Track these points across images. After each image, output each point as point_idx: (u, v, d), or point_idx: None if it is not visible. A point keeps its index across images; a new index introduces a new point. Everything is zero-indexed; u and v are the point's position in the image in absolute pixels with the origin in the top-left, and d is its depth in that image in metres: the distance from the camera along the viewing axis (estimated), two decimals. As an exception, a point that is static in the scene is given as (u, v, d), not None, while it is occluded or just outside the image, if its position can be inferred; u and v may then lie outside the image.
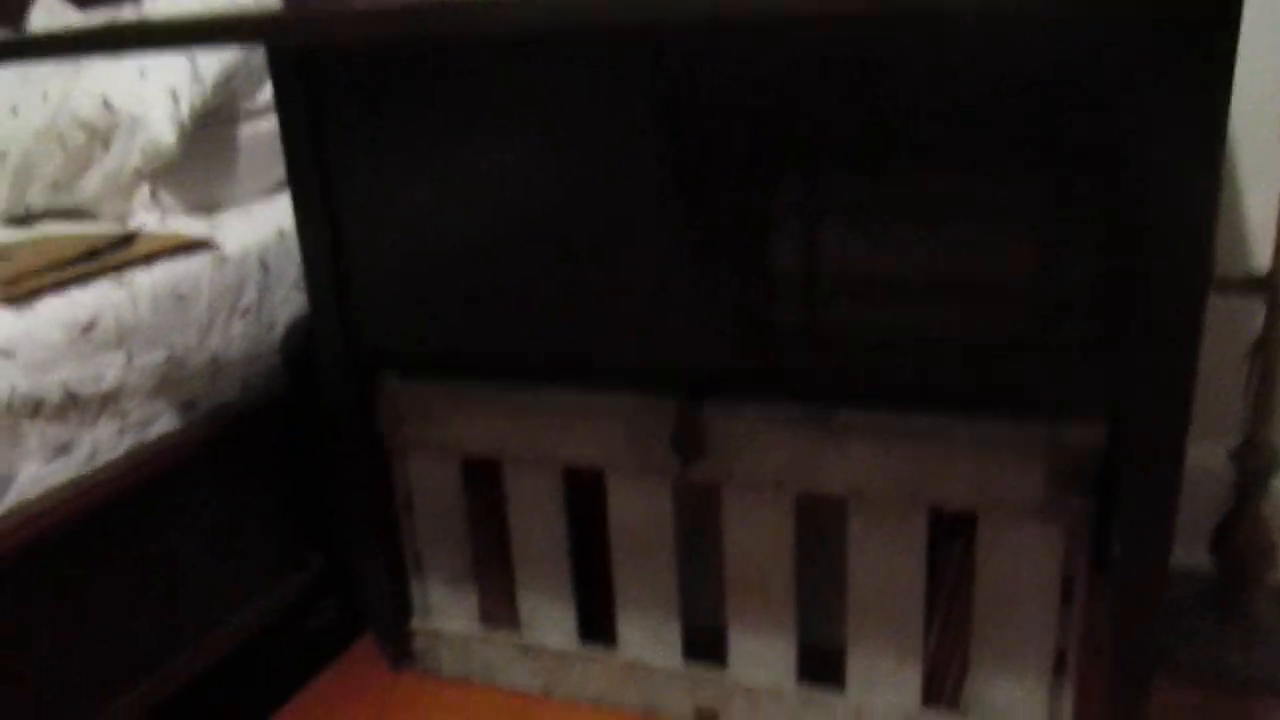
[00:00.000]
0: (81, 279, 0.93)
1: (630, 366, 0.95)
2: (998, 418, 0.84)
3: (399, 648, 1.15)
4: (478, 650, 1.11)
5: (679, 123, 0.85)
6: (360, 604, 1.18)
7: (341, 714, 1.10)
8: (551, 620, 1.08)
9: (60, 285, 0.91)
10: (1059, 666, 0.89)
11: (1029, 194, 0.79)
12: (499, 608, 1.11)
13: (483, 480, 1.07)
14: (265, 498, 1.11)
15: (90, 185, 1.16)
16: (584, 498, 1.04)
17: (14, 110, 1.17)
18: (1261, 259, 1.14)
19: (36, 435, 0.86)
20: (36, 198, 1.20)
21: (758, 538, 0.95)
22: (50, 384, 0.87)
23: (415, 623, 1.14)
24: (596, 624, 1.07)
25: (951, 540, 0.93)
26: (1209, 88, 0.70)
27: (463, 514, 1.07)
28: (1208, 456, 1.20)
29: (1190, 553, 1.22)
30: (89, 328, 0.91)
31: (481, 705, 1.10)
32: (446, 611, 1.12)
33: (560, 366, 0.99)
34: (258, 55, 1.20)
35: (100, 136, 1.13)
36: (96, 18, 1.47)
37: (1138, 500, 0.82)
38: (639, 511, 0.99)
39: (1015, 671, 0.91)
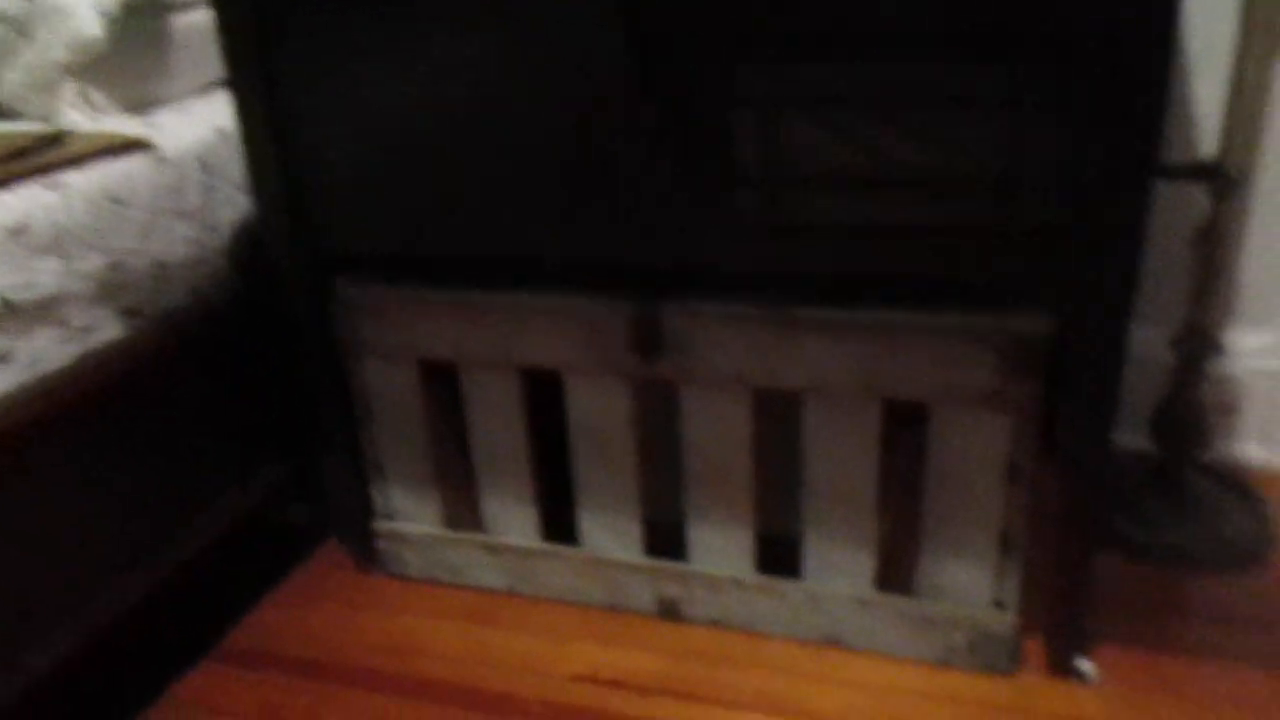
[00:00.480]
0: (7, 181, 0.89)
1: (588, 265, 0.94)
2: (950, 310, 0.86)
3: (365, 550, 1.16)
4: (442, 551, 1.13)
5: (637, 13, 0.82)
6: (326, 507, 1.18)
7: (311, 614, 1.12)
8: (515, 520, 1.09)
9: (-10, 189, 0.87)
10: (1005, 547, 0.93)
11: (984, 84, 0.78)
12: (463, 509, 1.12)
13: (443, 383, 1.07)
14: (221, 403, 1.09)
15: (10, 81, 1.10)
16: (545, 397, 1.04)
17: (-75, 5, 1.10)
18: (1209, 146, 1.15)
19: (-24, 346, 0.84)
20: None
21: (717, 433, 0.97)
22: (-15, 291, 0.84)
23: (380, 525, 1.15)
24: (559, 522, 1.09)
25: (904, 430, 0.95)
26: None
27: (423, 418, 1.07)
28: (1149, 342, 1.23)
29: (1131, 434, 1.27)
30: (20, 231, 0.88)
31: (448, 603, 1.12)
32: (410, 514, 1.13)
33: (517, 267, 0.98)
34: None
35: (17, 28, 1.07)
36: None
37: (1083, 385, 0.85)
38: (599, 411, 1.00)
39: (964, 553, 0.94)
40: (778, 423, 0.98)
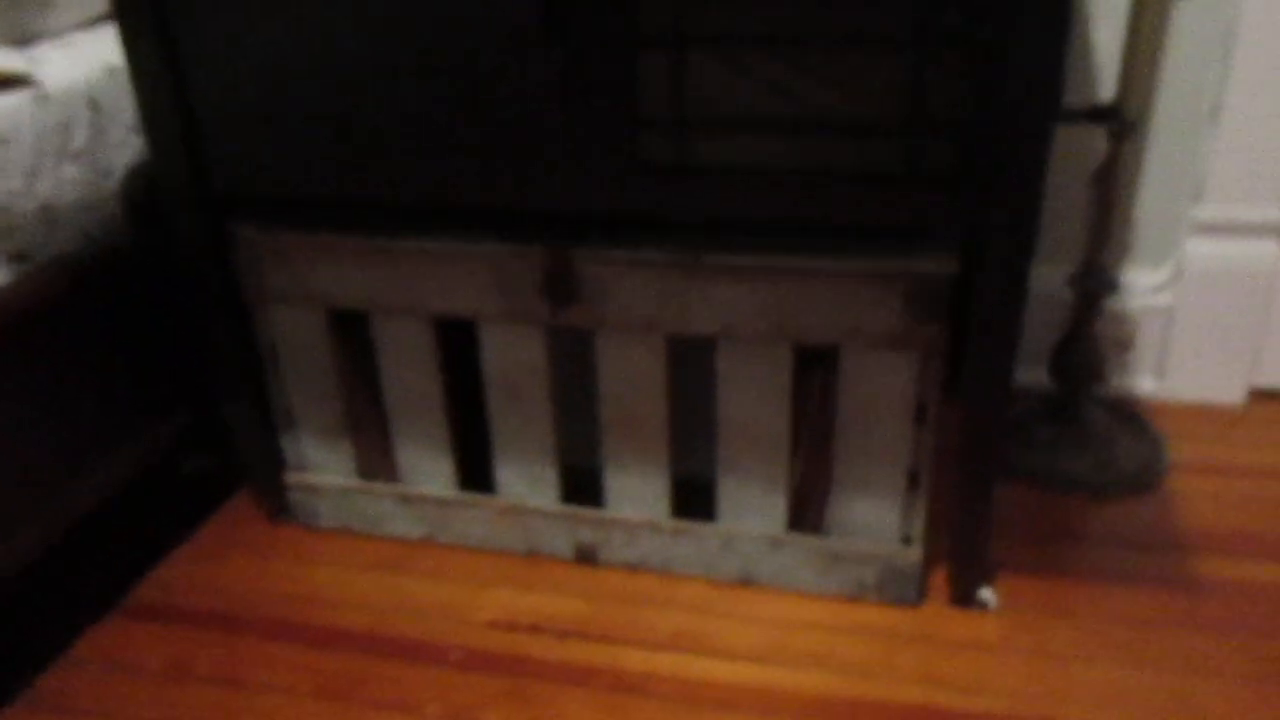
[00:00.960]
0: (-121, 125, 0.84)
1: (497, 210, 0.93)
2: (857, 253, 0.87)
3: (276, 501, 1.14)
4: (356, 501, 1.12)
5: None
6: (234, 457, 1.16)
7: (221, 567, 1.10)
8: (430, 470, 1.08)
9: None
10: (912, 485, 0.96)
11: (888, 26, 0.78)
12: (376, 458, 1.11)
13: (353, 329, 1.05)
14: (118, 351, 1.06)
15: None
16: (460, 343, 1.03)
17: None
18: (1108, 89, 1.18)
19: None
20: None
21: (631, 379, 0.97)
22: None
23: (290, 476, 1.13)
24: (476, 470, 1.09)
25: (813, 371, 0.96)
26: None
27: (332, 366, 1.05)
28: (1048, 279, 1.27)
29: (1032, 369, 1.31)
30: (-105, 179, 0.83)
31: (364, 553, 1.11)
32: (322, 464, 1.12)
33: (426, 212, 0.96)
34: None
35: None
36: None
37: (986, 324, 0.87)
38: (512, 359, 0.99)
39: (873, 491, 0.97)
40: (692, 367, 0.99)
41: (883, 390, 0.92)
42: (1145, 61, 1.06)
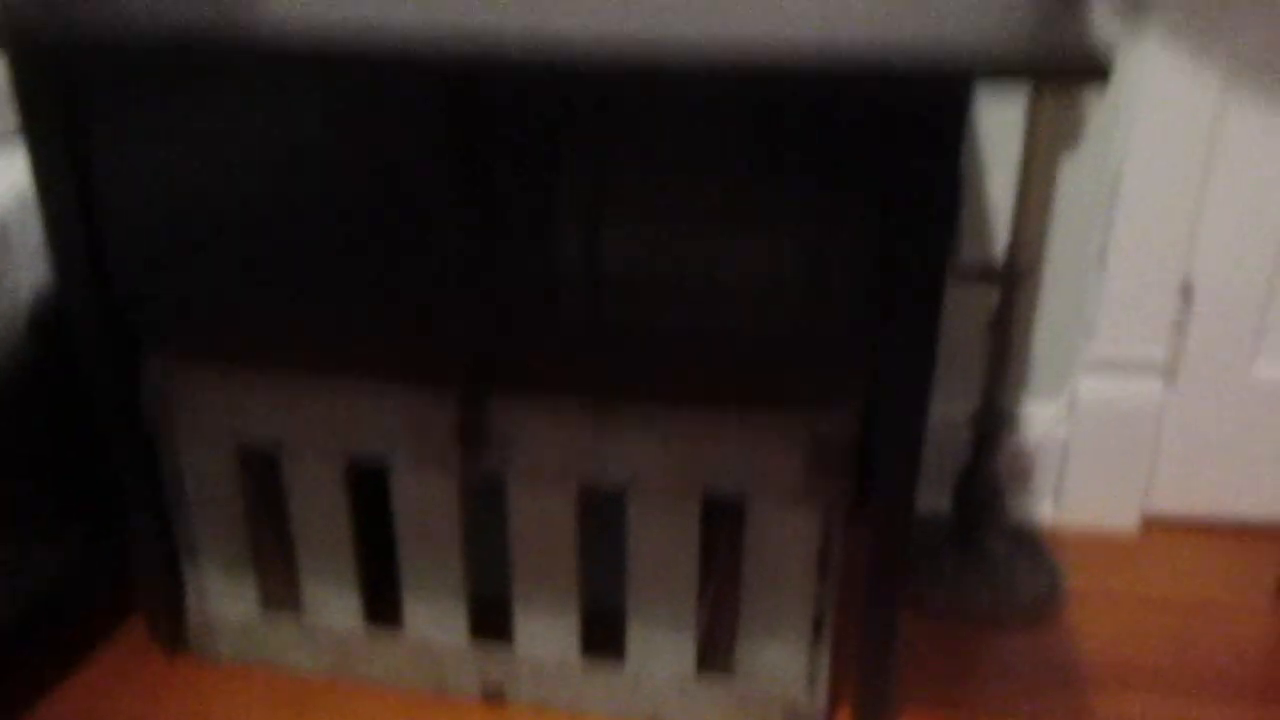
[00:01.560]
0: None
1: (413, 356, 0.93)
2: (761, 409, 0.89)
3: (173, 634, 1.11)
4: (258, 635, 1.09)
5: (464, 119, 0.82)
6: (130, 586, 1.13)
7: (114, 701, 1.06)
8: (336, 603, 1.07)
9: None
10: (817, 631, 0.97)
11: (791, 202, 0.82)
12: (280, 591, 1.09)
13: (262, 464, 1.03)
14: (13, 479, 1.03)
15: None
16: (367, 477, 1.03)
17: None
18: (999, 238, 1.24)
19: None
20: None
21: (542, 525, 0.97)
22: None
23: (191, 608, 1.10)
24: (383, 605, 1.07)
25: (722, 519, 0.98)
26: (953, 113, 0.75)
27: (239, 501, 1.04)
28: (953, 413, 1.31)
29: (936, 497, 1.35)
30: None
31: (264, 690, 1.09)
32: (224, 596, 1.09)
33: (340, 354, 0.96)
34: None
35: None
36: None
37: (886, 472, 0.90)
38: (424, 500, 0.99)
39: (779, 635, 0.98)
40: (602, 508, 1.00)
41: (787, 541, 0.94)
42: (1035, 213, 1.12)
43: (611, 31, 0.67)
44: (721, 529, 0.98)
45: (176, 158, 0.90)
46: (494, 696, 1.06)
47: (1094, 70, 0.48)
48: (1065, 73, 0.51)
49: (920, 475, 0.92)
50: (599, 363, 0.90)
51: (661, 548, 0.96)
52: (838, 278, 0.84)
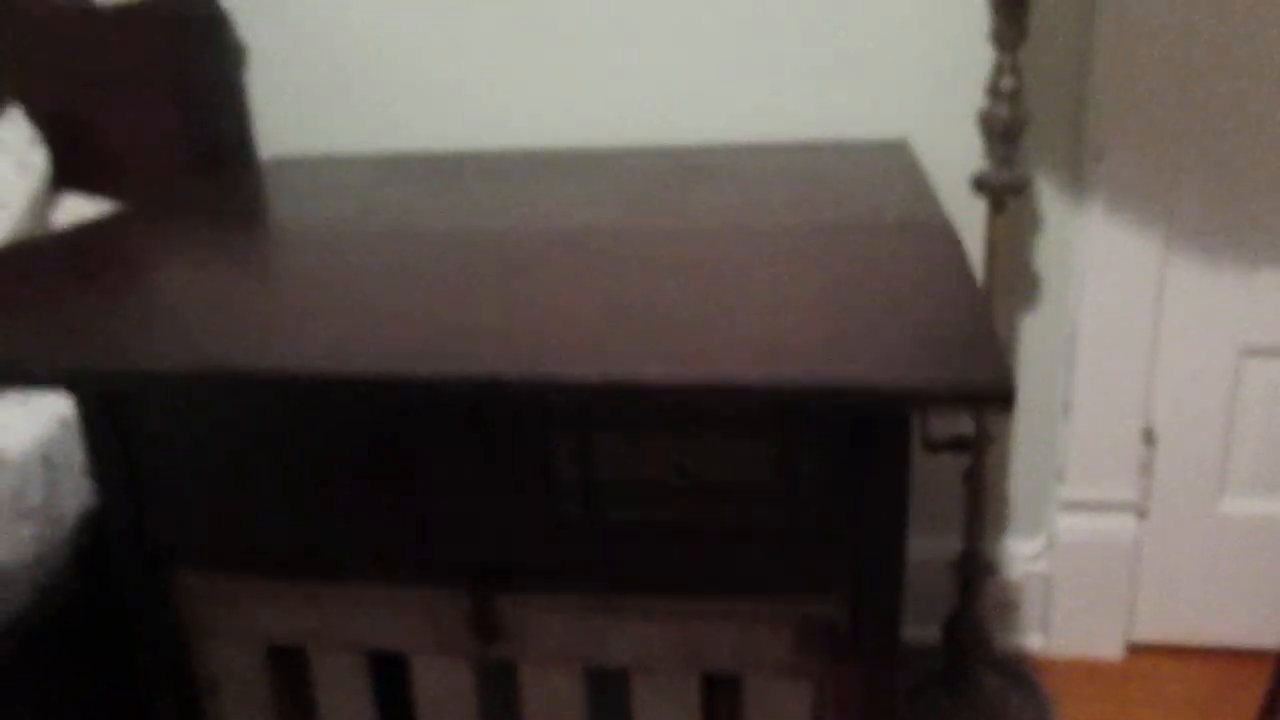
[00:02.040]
0: None
1: (428, 561, 1.02)
2: (750, 596, 0.97)
3: (212, 821, 1.18)
4: (292, 816, 1.16)
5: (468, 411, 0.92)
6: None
7: None
8: (364, 784, 1.13)
9: None
10: (815, 794, 1.04)
11: (763, 415, 0.91)
12: (311, 775, 1.15)
13: (289, 659, 1.11)
14: (62, 691, 1.11)
15: None
16: (388, 662, 1.10)
17: None
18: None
19: None
20: None
21: (552, 704, 1.05)
22: None
23: (227, 793, 1.17)
24: (408, 782, 1.14)
25: (721, 693, 1.05)
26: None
27: (268, 695, 1.11)
28: (939, 554, 1.39)
29: (927, 628, 1.42)
30: None
31: None
32: (259, 781, 1.16)
33: (357, 563, 1.04)
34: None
35: None
36: None
37: (868, 647, 0.97)
38: (442, 687, 1.06)
39: (781, 799, 1.04)
40: (609, 685, 1.07)
41: (782, 713, 1.01)
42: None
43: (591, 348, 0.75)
44: (723, 697, 1.05)
45: (206, 427, 0.99)
46: None
47: (1001, 398, 0.57)
48: (979, 399, 0.60)
49: (908, 618, 0.99)
50: (598, 560, 0.98)
51: (665, 718, 1.03)
52: (812, 488, 0.92)
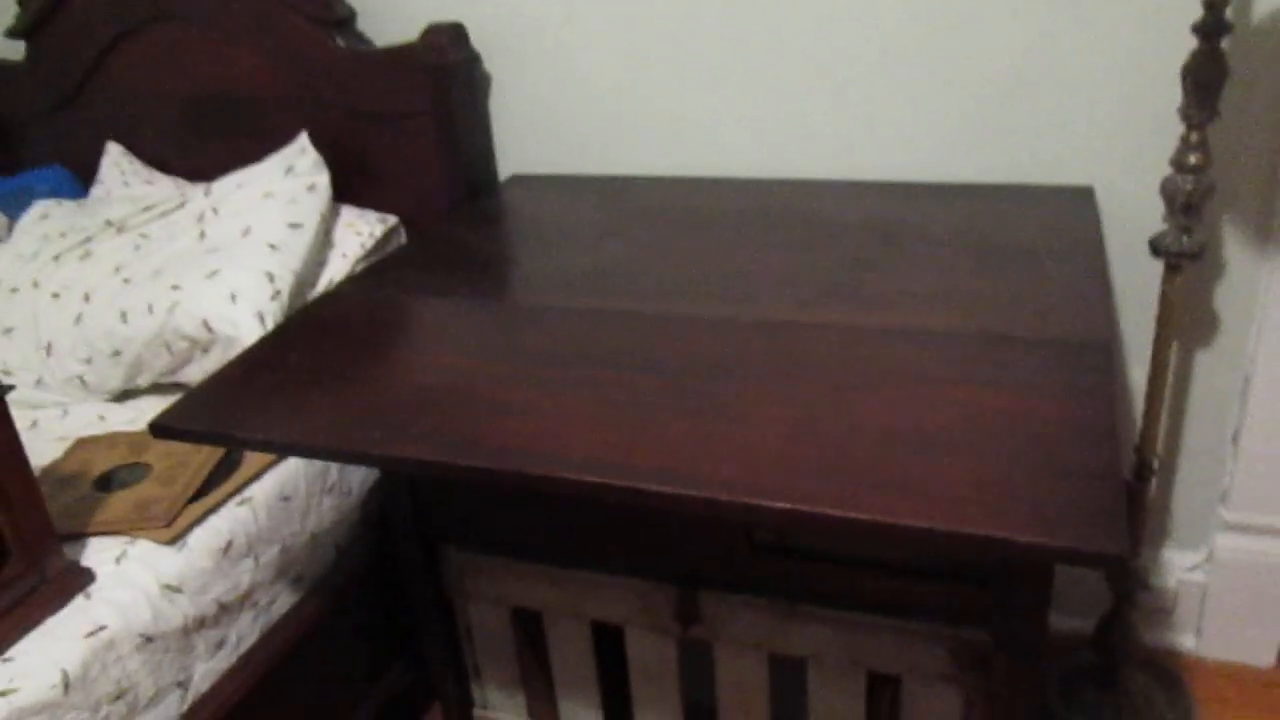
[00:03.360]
0: (215, 507, 1.21)
1: (649, 564, 1.23)
2: (917, 619, 1.14)
3: (463, 727, 1.48)
4: (529, 735, 1.44)
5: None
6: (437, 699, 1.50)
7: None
8: (584, 716, 1.40)
9: (202, 517, 1.19)
10: (962, 777, 1.22)
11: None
12: (542, 707, 1.43)
13: (529, 617, 1.37)
14: (364, 630, 1.41)
15: (193, 373, 1.42)
16: (608, 629, 1.35)
17: (123, 316, 1.41)
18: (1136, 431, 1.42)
19: (202, 642, 1.15)
20: (144, 381, 1.46)
21: (741, 680, 1.26)
22: (207, 602, 1.16)
23: (477, 712, 1.46)
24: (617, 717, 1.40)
25: (884, 687, 1.24)
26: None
27: (512, 642, 1.38)
28: (1099, 559, 1.50)
29: (1082, 622, 1.54)
30: (227, 549, 1.19)
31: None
32: (501, 707, 1.45)
33: (590, 556, 1.27)
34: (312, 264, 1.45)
35: (201, 345, 1.38)
36: (163, 188, 1.70)
37: (1012, 684, 1.13)
38: (651, 656, 1.30)
39: (931, 777, 1.23)
40: (790, 670, 1.27)
41: (936, 711, 1.18)
42: (1161, 404, 1.30)
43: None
44: (884, 693, 1.24)
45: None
46: (704, 800, 1.36)
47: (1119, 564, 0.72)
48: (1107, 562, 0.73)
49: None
50: (787, 575, 1.17)
51: (835, 706, 1.23)
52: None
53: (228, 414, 1.01)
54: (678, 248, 1.32)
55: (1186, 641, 1.55)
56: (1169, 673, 1.51)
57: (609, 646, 1.37)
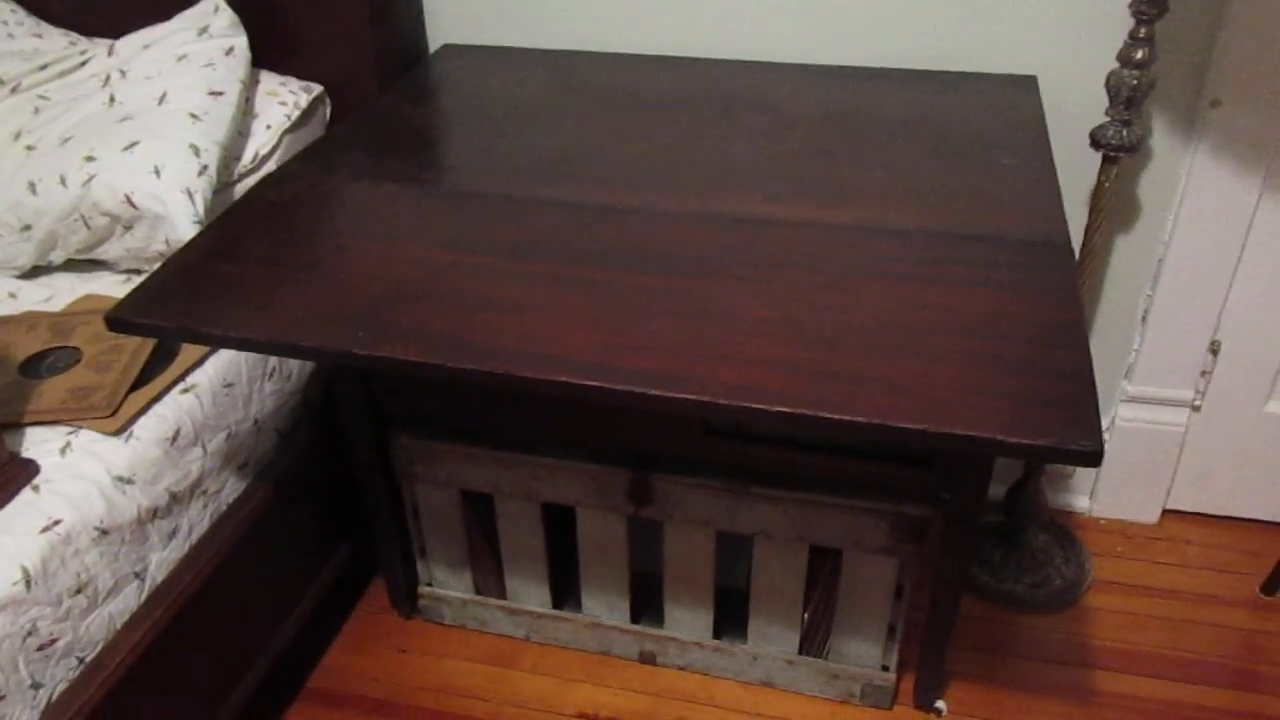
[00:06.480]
0: (160, 395, 1.17)
1: (596, 446, 1.26)
2: (858, 496, 1.21)
3: (410, 604, 1.51)
4: (473, 608, 1.48)
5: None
6: (380, 571, 1.52)
7: (370, 658, 1.47)
8: (531, 592, 1.44)
9: (147, 406, 1.15)
10: (890, 634, 1.32)
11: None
12: (489, 583, 1.47)
13: (478, 497, 1.39)
14: (311, 513, 1.40)
15: (113, 251, 1.35)
16: (560, 515, 1.38)
17: (31, 188, 1.31)
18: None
19: (156, 532, 1.14)
20: (57, 257, 1.37)
21: (689, 557, 1.32)
22: (159, 492, 1.13)
23: (423, 589, 1.49)
24: (565, 594, 1.45)
25: (824, 558, 1.31)
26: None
27: (460, 522, 1.40)
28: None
29: (995, 489, 1.65)
30: (175, 437, 1.16)
31: (478, 645, 1.48)
32: (447, 584, 1.48)
33: (541, 439, 1.29)
34: (236, 135, 1.36)
35: (123, 222, 1.30)
36: (55, 41, 1.55)
37: (949, 552, 1.22)
38: (600, 532, 1.34)
39: (861, 637, 1.33)
40: (734, 539, 1.34)
41: (873, 578, 1.27)
42: (1081, 286, 1.37)
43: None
44: (824, 563, 1.32)
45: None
46: (647, 660, 1.44)
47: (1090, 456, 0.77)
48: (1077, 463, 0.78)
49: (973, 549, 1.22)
50: (736, 458, 1.21)
51: (778, 577, 1.30)
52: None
53: (191, 308, 0.96)
54: (639, 132, 1.29)
55: (1081, 502, 1.68)
56: (1066, 531, 1.64)
57: (557, 524, 1.40)
